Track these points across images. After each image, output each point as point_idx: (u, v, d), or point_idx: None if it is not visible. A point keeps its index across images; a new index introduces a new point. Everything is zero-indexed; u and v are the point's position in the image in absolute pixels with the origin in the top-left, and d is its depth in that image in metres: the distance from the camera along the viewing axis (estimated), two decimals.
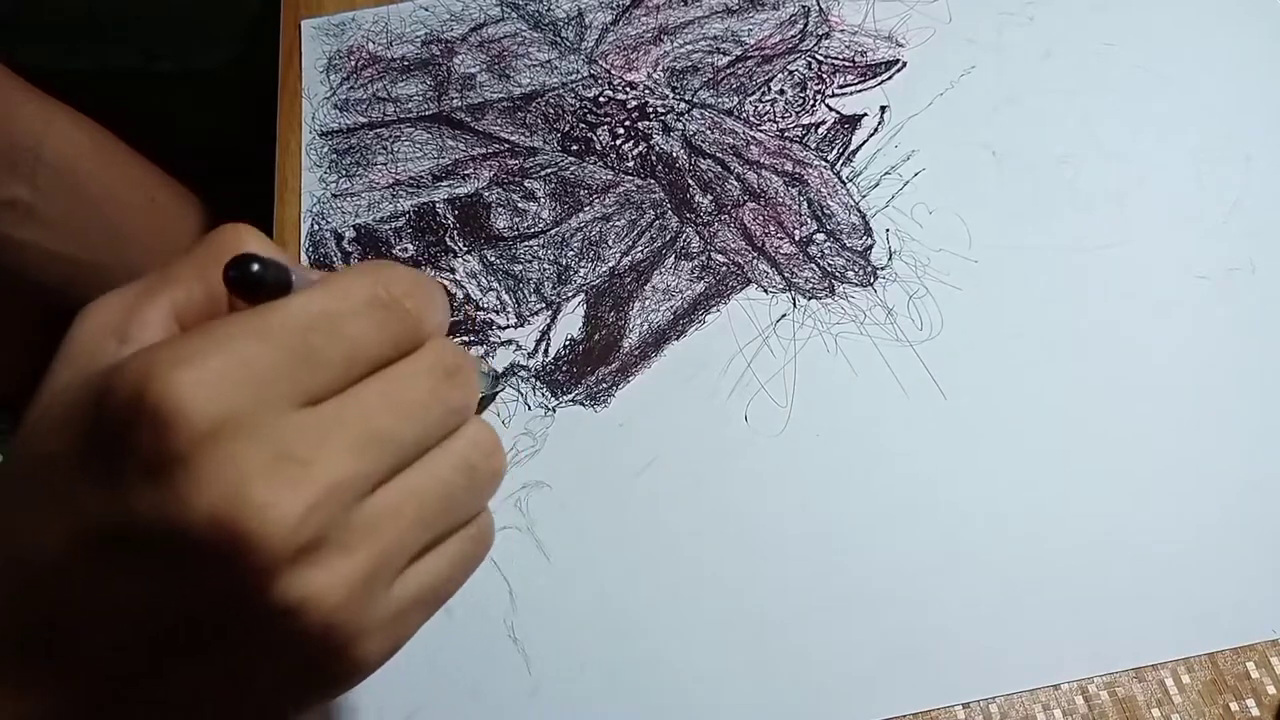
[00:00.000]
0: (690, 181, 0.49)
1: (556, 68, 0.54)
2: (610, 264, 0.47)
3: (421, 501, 0.25)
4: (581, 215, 0.49)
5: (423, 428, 0.26)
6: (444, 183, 0.51)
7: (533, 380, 0.44)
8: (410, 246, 0.49)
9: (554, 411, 0.44)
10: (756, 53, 0.53)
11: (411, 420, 0.25)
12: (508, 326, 0.46)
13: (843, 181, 0.48)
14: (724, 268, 0.46)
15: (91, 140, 0.61)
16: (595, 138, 0.51)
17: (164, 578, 0.23)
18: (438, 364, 0.26)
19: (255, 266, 0.23)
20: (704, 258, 0.47)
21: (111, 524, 0.23)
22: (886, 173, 0.48)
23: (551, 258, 0.48)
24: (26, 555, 0.24)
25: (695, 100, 0.52)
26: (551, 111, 0.52)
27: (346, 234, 0.49)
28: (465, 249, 0.48)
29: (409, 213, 0.50)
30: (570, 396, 0.44)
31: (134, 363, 0.22)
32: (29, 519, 0.24)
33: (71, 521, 0.23)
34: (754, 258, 0.47)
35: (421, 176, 0.51)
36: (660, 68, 0.53)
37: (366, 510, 0.24)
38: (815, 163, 0.49)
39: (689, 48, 0.53)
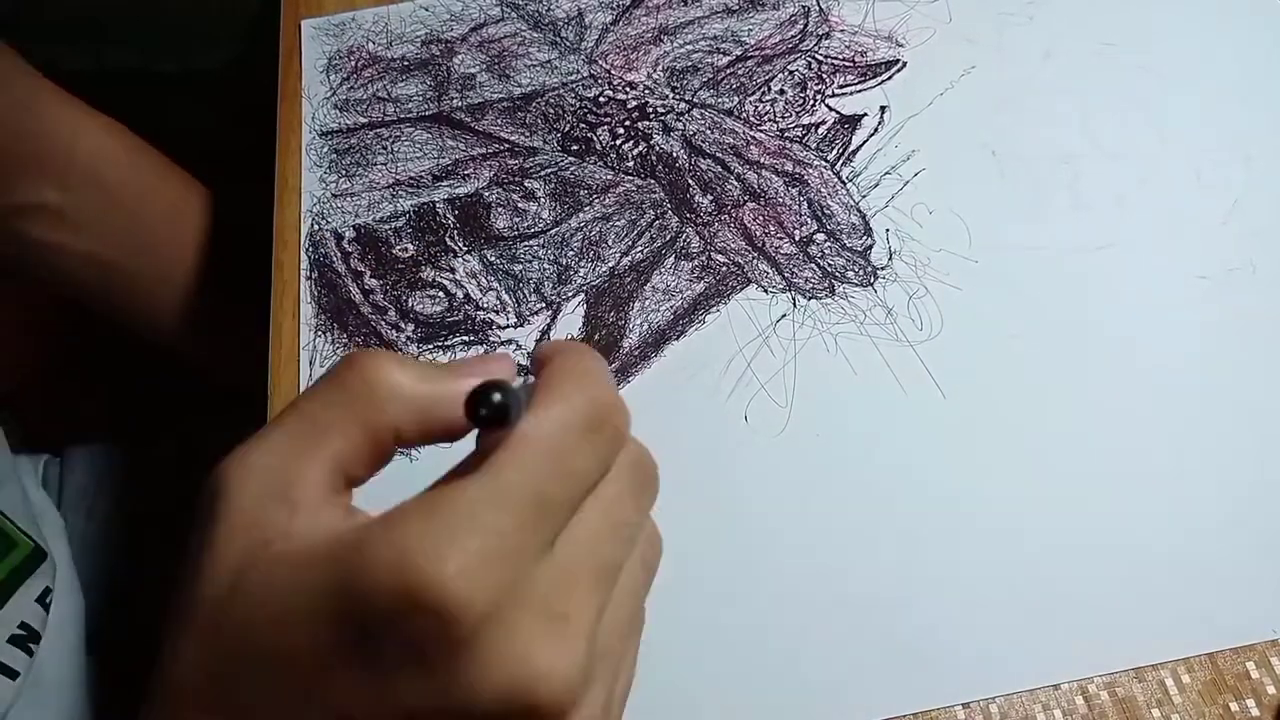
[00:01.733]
0: (690, 181, 0.49)
1: (556, 68, 0.54)
2: (610, 264, 0.47)
3: (630, 611, 0.27)
4: (581, 215, 0.49)
5: (633, 545, 0.26)
6: (444, 183, 0.51)
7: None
8: (410, 246, 0.49)
9: None
10: (756, 53, 0.53)
11: (628, 541, 0.26)
12: (508, 326, 0.46)
13: (843, 181, 0.48)
14: (724, 268, 0.46)
15: (120, 144, 0.61)
16: (595, 138, 0.51)
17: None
18: (635, 476, 0.27)
19: (498, 397, 0.22)
20: (704, 258, 0.47)
21: (389, 715, 0.22)
22: (886, 173, 0.48)
23: (551, 258, 0.48)
24: None
25: (695, 100, 0.52)
26: (551, 111, 0.52)
27: (346, 234, 0.49)
28: (465, 249, 0.48)
29: (409, 213, 0.50)
30: None
31: (390, 552, 0.22)
32: (277, 714, 0.23)
33: (332, 717, 0.23)
34: (754, 258, 0.47)
35: (421, 176, 0.51)
36: (660, 68, 0.53)
37: (602, 638, 0.25)
38: (815, 163, 0.49)
39: (689, 48, 0.53)
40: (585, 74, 0.53)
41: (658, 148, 0.50)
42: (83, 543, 0.57)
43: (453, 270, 0.48)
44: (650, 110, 0.52)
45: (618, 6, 0.55)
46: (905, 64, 0.51)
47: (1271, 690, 0.36)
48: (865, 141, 0.49)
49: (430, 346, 0.46)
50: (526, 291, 0.47)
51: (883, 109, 0.50)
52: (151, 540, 0.59)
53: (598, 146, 0.51)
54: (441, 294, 0.47)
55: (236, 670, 0.24)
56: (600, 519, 0.25)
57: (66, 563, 0.54)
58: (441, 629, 0.21)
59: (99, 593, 0.56)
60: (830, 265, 0.46)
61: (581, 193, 0.49)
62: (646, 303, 0.46)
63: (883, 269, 0.46)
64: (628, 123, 0.51)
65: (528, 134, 0.52)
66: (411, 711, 0.22)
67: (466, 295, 0.47)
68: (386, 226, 0.49)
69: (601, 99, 0.52)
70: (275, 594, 0.23)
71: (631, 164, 0.50)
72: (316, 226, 0.50)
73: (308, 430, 0.25)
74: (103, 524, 0.60)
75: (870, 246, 0.46)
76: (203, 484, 0.25)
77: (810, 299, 0.45)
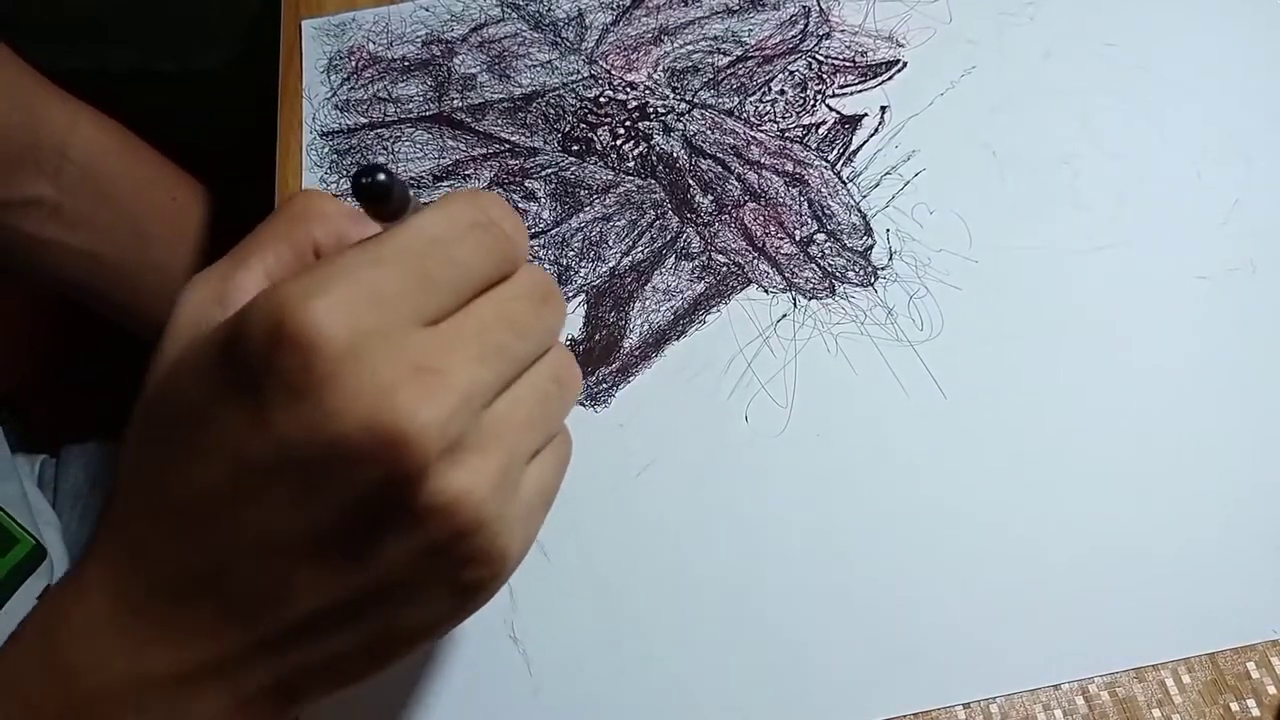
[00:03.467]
0: (691, 182, 0.49)
1: (557, 68, 0.54)
2: (610, 264, 0.47)
3: (530, 408, 0.28)
4: (582, 215, 0.49)
5: (529, 344, 0.28)
6: (445, 183, 0.51)
7: None
8: None
9: None
10: (757, 53, 0.53)
11: (520, 336, 0.27)
12: None
13: (843, 181, 0.48)
14: (724, 268, 0.46)
15: (115, 139, 0.61)
16: (596, 138, 0.51)
17: (323, 493, 0.25)
18: (535, 287, 0.29)
19: (383, 176, 0.24)
20: (704, 258, 0.47)
21: (270, 450, 0.24)
22: (887, 173, 0.48)
23: (552, 258, 0.48)
24: (184, 499, 0.26)
25: (696, 100, 0.52)
26: (552, 112, 0.52)
27: None
28: None
29: None
30: None
31: (265, 299, 0.24)
32: (182, 466, 0.26)
33: (229, 457, 0.25)
34: (754, 258, 0.47)
35: (422, 177, 0.51)
36: (661, 68, 0.53)
37: (492, 415, 0.26)
38: (816, 163, 0.49)
39: (689, 48, 0.53)
40: (586, 74, 0.53)
41: (658, 148, 0.50)
42: (77, 542, 0.58)
43: None
44: (651, 110, 0.52)
45: (618, 7, 0.55)
46: (906, 64, 0.51)
47: (1272, 690, 0.36)
48: (866, 142, 0.49)
49: None
50: None
51: (883, 109, 0.50)
52: None
53: (598, 147, 0.51)
54: None
55: (155, 444, 0.27)
56: (492, 310, 0.27)
57: (63, 562, 0.54)
58: (305, 360, 0.23)
59: None
60: (831, 265, 0.46)
61: (582, 193, 0.49)
62: (647, 303, 0.46)
63: (883, 269, 0.46)
64: (628, 123, 0.51)
65: (528, 134, 0.52)
66: (287, 441, 0.24)
67: None
68: None
69: (602, 99, 0.52)
70: (180, 366, 0.27)
71: (632, 164, 0.50)
72: None
73: (244, 248, 0.29)
74: (96, 524, 0.61)
75: (871, 246, 0.46)
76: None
77: (811, 299, 0.45)
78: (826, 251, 0.46)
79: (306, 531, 0.25)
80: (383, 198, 0.25)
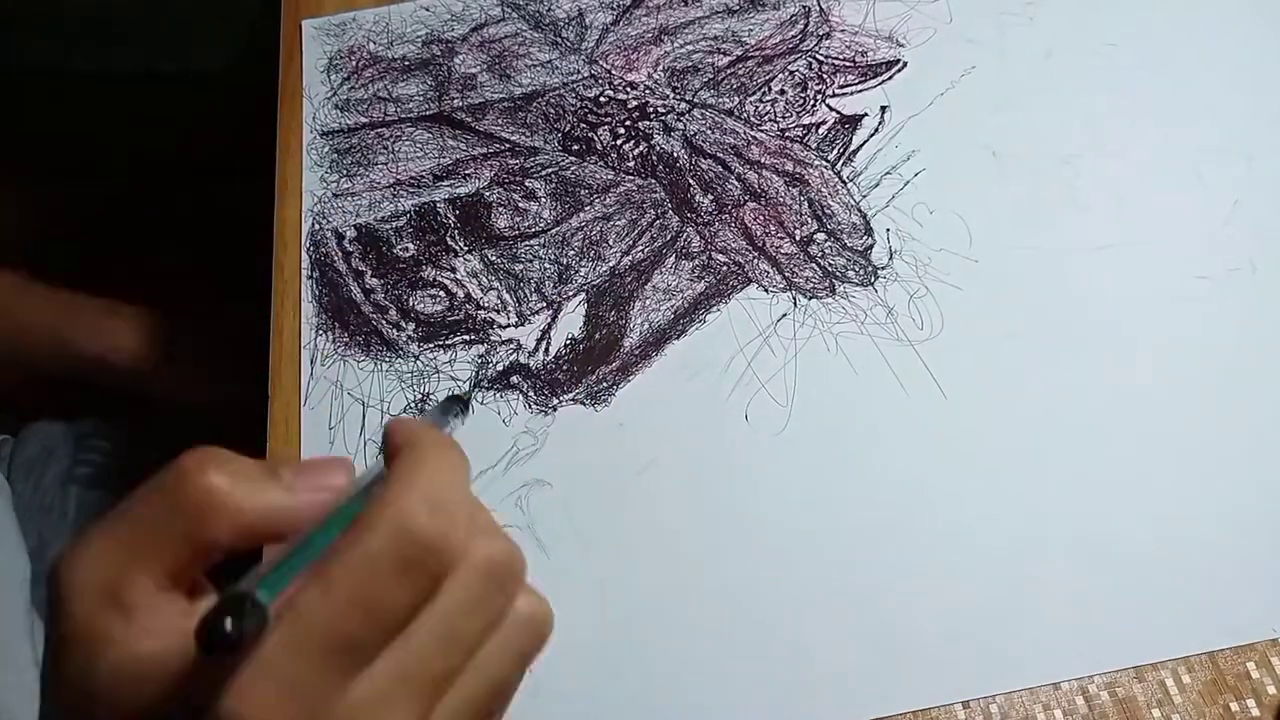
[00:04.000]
0: (691, 181, 0.49)
1: (557, 68, 0.54)
2: (611, 263, 0.47)
3: (477, 705, 0.26)
4: (582, 215, 0.49)
5: (474, 645, 0.26)
6: (445, 182, 0.51)
7: (534, 379, 0.45)
8: (411, 246, 0.49)
9: (555, 410, 0.44)
10: (757, 53, 0.53)
11: (463, 649, 0.26)
12: (508, 326, 0.46)
13: (843, 181, 0.48)
14: (724, 267, 0.46)
15: None
16: (596, 137, 0.51)
17: None
18: (484, 579, 0.26)
19: (228, 624, 0.22)
20: (704, 257, 0.47)
21: None
22: (887, 173, 0.48)
23: (552, 257, 0.48)
24: None
25: (696, 100, 0.52)
26: (552, 111, 0.52)
27: (348, 233, 0.49)
28: (466, 248, 0.48)
29: (410, 212, 0.50)
30: (571, 395, 0.44)
31: (196, 698, 0.23)
32: None
33: None
34: (754, 257, 0.47)
35: (422, 176, 0.51)
36: (661, 68, 0.53)
37: None
38: (816, 163, 0.49)
39: (689, 48, 0.53)
40: (586, 74, 0.53)
41: (658, 147, 0.50)
42: (27, 508, 0.58)
43: (453, 269, 0.48)
44: (651, 110, 0.52)
45: (618, 7, 0.55)
46: (906, 64, 0.51)
47: (1272, 690, 0.36)
48: (866, 141, 0.49)
49: (431, 345, 0.46)
50: (527, 291, 0.47)
51: (883, 109, 0.50)
52: (89, 502, 0.61)
53: (598, 146, 0.51)
54: (442, 293, 0.47)
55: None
56: (429, 635, 0.25)
57: (12, 528, 0.55)
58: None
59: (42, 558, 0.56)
60: (831, 265, 0.46)
61: (582, 192, 0.49)
62: (647, 302, 0.46)
63: (883, 268, 0.46)
64: (628, 123, 0.51)
65: (528, 134, 0.52)
66: None
67: (467, 294, 0.47)
68: (387, 226, 0.49)
69: (602, 99, 0.52)
70: (119, 704, 0.24)
71: (632, 164, 0.50)
72: (318, 226, 0.50)
73: (137, 541, 0.26)
74: (47, 489, 0.61)
75: (871, 246, 0.46)
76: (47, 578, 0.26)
77: (811, 298, 0.45)
78: (827, 251, 0.46)
79: None
80: (230, 647, 0.22)
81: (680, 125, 0.51)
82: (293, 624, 0.24)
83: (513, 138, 0.52)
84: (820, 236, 0.47)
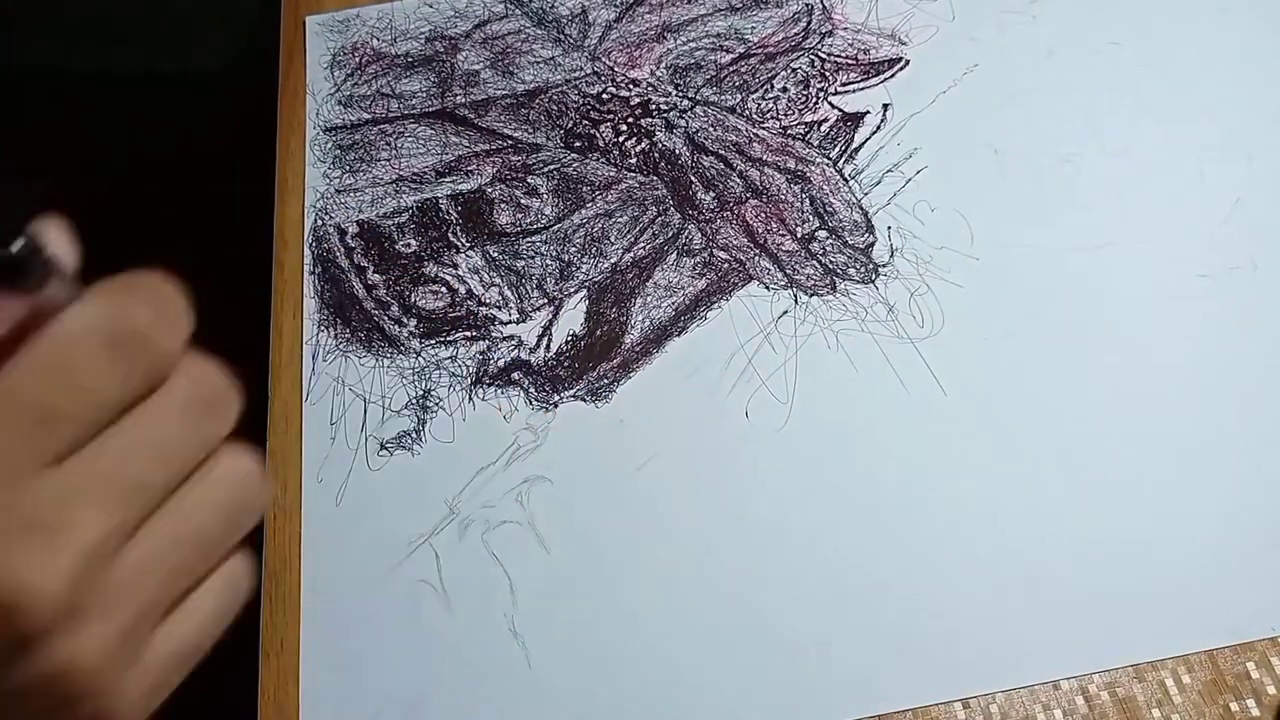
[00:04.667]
0: (693, 178, 0.49)
1: (560, 64, 0.54)
2: (612, 260, 0.47)
3: (177, 548, 0.25)
4: (584, 211, 0.49)
5: (178, 466, 0.25)
6: (447, 179, 0.51)
7: (535, 375, 0.45)
8: (413, 242, 0.49)
9: (555, 406, 0.44)
10: (759, 50, 0.53)
11: (164, 462, 0.25)
12: (510, 322, 0.46)
13: (845, 179, 0.48)
14: (726, 264, 0.46)
15: None
16: (598, 134, 0.51)
17: None
18: (192, 396, 0.25)
19: (18, 244, 0.21)
20: (706, 254, 0.47)
21: None
22: (889, 170, 0.48)
23: (554, 254, 0.48)
24: None
25: (698, 97, 0.52)
26: (555, 108, 0.52)
27: (350, 229, 0.49)
28: (468, 244, 0.48)
29: (412, 208, 0.50)
30: (572, 392, 0.44)
31: None
32: None
33: None
34: (756, 254, 0.47)
35: (425, 172, 0.51)
36: (663, 65, 0.53)
37: (123, 564, 0.24)
38: (817, 160, 0.49)
39: (692, 45, 0.53)
40: (588, 71, 0.53)
41: (660, 144, 0.50)
42: None
43: (455, 266, 0.48)
44: (653, 107, 0.52)
45: (621, 4, 0.55)
46: (908, 62, 0.51)
47: (1271, 690, 0.36)
48: (868, 139, 0.49)
49: (433, 341, 0.46)
50: (529, 287, 0.47)
51: (885, 107, 0.50)
52: None
53: (600, 143, 0.51)
54: (444, 289, 0.47)
55: None
56: (128, 437, 0.24)
57: None
58: None
59: None
60: (832, 262, 0.46)
61: (584, 189, 0.49)
62: (648, 299, 0.46)
63: (884, 266, 0.46)
64: (630, 119, 0.51)
65: (531, 130, 0.52)
66: None
67: (469, 291, 0.47)
68: (390, 222, 0.49)
69: (605, 96, 0.52)
70: None
71: (634, 161, 0.50)
72: (320, 222, 0.50)
73: None
74: None
75: (872, 243, 0.46)
76: None
77: (812, 296, 0.45)
78: (828, 248, 0.46)
79: None
80: (17, 274, 0.21)
81: (682, 122, 0.51)
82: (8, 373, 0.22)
83: (515, 134, 0.52)
84: (821, 234, 0.47)
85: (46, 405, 0.23)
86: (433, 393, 0.45)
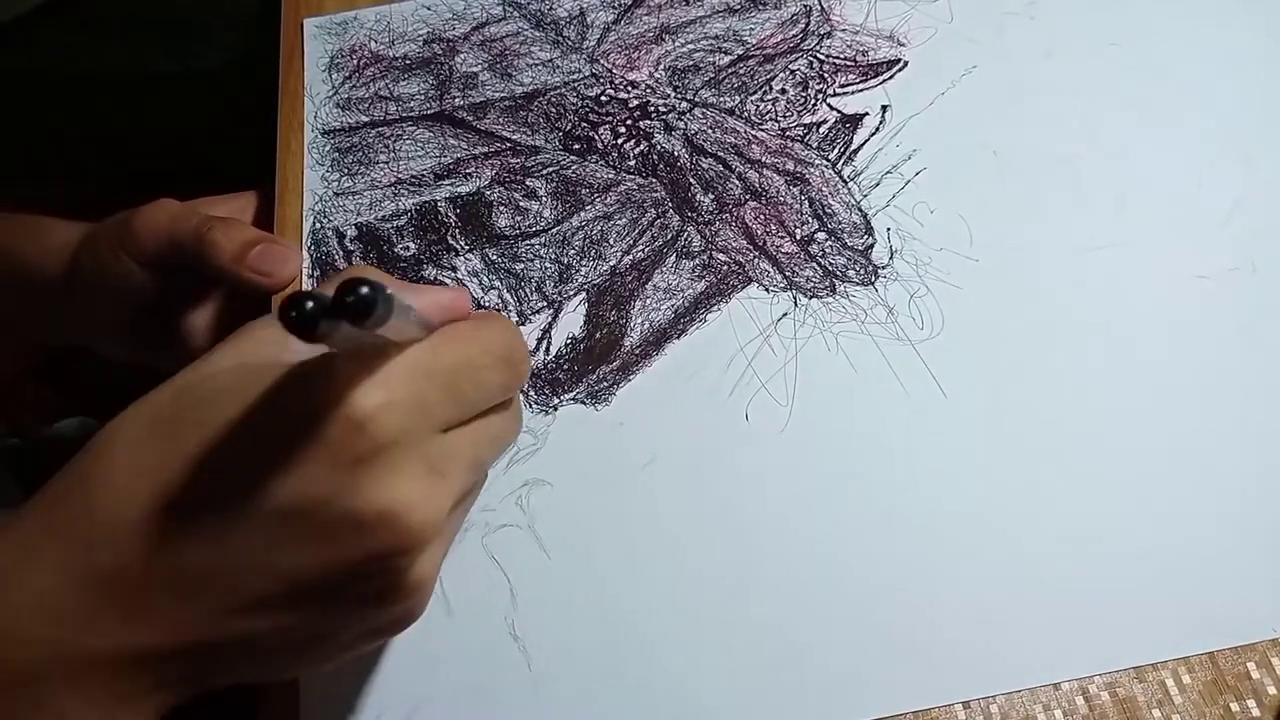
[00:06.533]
0: (692, 180, 0.49)
1: (558, 67, 0.54)
2: (611, 263, 0.47)
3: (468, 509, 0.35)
4: (583, 214, 0.49)
5: (501, 452, 0.35)
6: (446, 181, 0.51)
7: (534, 378, 0.45)
8: (412, 245, 0.49)
9: (555, 410, 0.44)
10: (758, 52, 0.53)
11: (496, 452, 0.34)
12: None
13: (844, 180, 0.48)
14: (725, 266, 0.46)
15: None
16: (597, 136, 0.51)
17: (320, 548, 0.28)
18: (520, 420, 0.35)
19: (366, 289, 0.25)
20: (705, 256, 0.47)
21: (291, 495, 0.27)
22: (888, 172, 0.48)
23: (553, 256, 0.48)
24: (186, 501, 0.28)
25: (697, 99, 0.52)
26: (553, 110, 0.52)
27: (348, 232, 0.49)
28: (467, 247, 0.48)
29: (411, 211, 0.50)
30: (571, 395, 0.44)
31: (343, 372, 0.28)
32: (196, 471, 0.28)
33: (249, 484, 0.28)
34: (755, 256, 0.47)
35: (423, 175, 0.51)
36: (662, 67, 0.53)
37: (458, 512, 0.33)
38: (817, 162, 0.49)
39: (691, 47, 0.53)
40: (587, 73, 0.53)
41: (659, 147, 0.50)
42: None
43: (454, 269, 0.48)
44: (652, 109, 0.52)
45: (619, 6, 0.55)
46: (907, 63, 0.51)
47: (1272, 690, 0.36)
48: (866, 141, 0.49)
49: None
50: (528, 290, 0.47)
51: (884, 108, 0.50)
52: None
53: (599, 145, 0.51)
54: None
55: (173, 439, 0.29)
56: (487, 431, 0.32)
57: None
58: (354, 437, 0.27)
59: None
60: (831, 264, 0.46)
61: (583, 191, 0.49)
62: (648, 301, 0.46)
63: (884, 268, 0.46)
64: (629, 122, 0.51)
65: (529, 133, 0.52)
66: (311, 495, 0.27)
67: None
68: (388, 225, 0.49)
69: (603, 98, 0.52)
70: (242, 390, 0.29)
71: (633, 163, 0.50)
72: (319, 225, 0.50)
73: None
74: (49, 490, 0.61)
75: (871, 245, 0.46)
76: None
77: (811, 298, 0.45)
78: (827, 250, 0.46)
79: (289, 573, 0.28)
80: (367, 312, 0.25)
81: (681, 124, 0.51)
82: (433, 354, 0.30)
83: (514, 137, 0.52)
84: (821, 236, 0.47)
85: (459, 386, 0.30)
86: None
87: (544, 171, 0.50)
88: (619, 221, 0.48)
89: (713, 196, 0.49)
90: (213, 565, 0.28)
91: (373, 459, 0.27)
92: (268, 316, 0.32)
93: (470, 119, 0.52)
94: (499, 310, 0.47)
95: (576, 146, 0.51)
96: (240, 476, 0.28)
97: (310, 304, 0.25)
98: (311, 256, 0.49)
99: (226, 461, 0.28)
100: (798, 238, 0.47)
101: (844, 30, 0.53)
